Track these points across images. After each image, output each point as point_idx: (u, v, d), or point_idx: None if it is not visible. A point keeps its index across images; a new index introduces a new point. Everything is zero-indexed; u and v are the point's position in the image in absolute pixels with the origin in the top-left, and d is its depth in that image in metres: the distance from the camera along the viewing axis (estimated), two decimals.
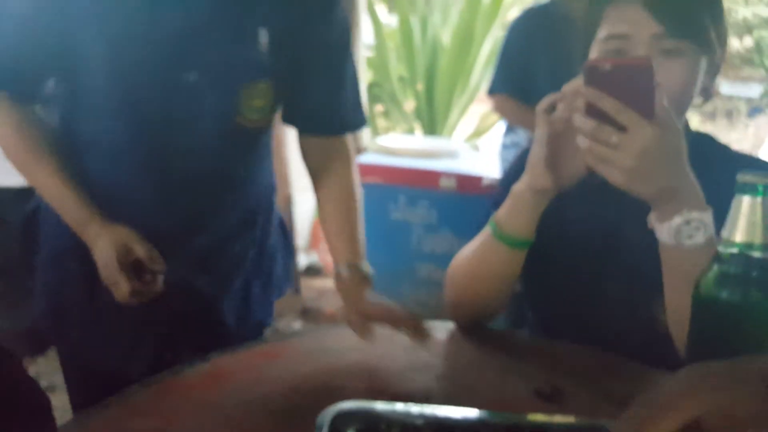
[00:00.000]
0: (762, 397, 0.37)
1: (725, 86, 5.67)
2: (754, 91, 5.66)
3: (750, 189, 0.46)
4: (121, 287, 0.69)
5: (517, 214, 0.69)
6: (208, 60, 0.71)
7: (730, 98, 5.59)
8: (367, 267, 0.78)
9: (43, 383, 1.72)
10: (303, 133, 0.84)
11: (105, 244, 0.71)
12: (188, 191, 0.78)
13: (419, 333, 0.68)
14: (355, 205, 0.83)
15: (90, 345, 0.83)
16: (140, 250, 0.70)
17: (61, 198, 0.74)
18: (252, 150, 0.83)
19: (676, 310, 0.62)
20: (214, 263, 0.84)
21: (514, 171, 0.76)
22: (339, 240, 0.80)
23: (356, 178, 0.84)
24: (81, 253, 0.76)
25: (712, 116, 5.40)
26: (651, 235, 0.62)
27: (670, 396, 0.38)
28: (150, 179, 0.77)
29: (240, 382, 0.62)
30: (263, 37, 0.72)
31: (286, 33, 0.73)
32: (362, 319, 0.71)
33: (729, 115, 5.50)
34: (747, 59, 6.12)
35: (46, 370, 1.76)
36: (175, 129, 0.74)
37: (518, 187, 0.68)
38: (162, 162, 0.76)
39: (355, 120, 0.85)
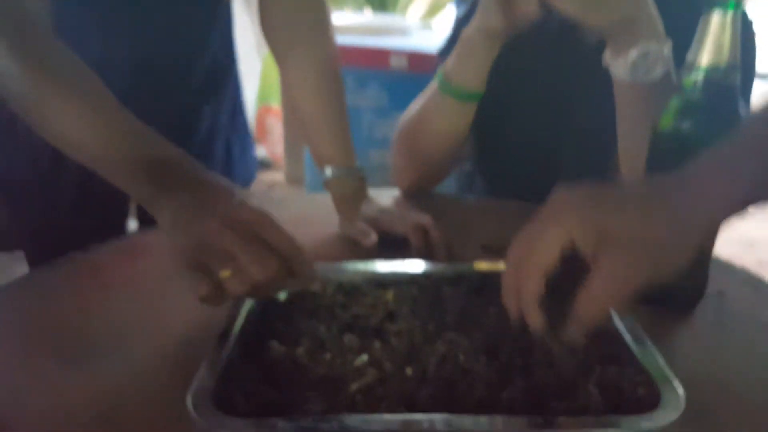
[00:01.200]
0: (635, 217, 0.35)
1: None
2: None
3: (721, 2, 0.41)
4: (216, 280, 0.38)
5: (466, 62, 0.63)
6: None
7: None
8: (359, 169, 0.64)
9: None
10: None
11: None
12: (157, 62, 0.71)
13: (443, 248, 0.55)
14: (338, 87, 0.66)
15: (55, 225, 0.74)
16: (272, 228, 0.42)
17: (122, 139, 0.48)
18: (221, 15, 0.78)
19: (630, 153, 0.59)
20: (192, 124, 0.78)
21: (464, 21, 0.68)
22: (321, 136, 0.64)
23: (336, 55, 0.66)
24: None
25: None
26: (609, 91, 0.58)
27: (540, 221, 0.37)
28: (118, 56, 0.68)
29: (160, 258, 0.56)
30: None
31: None
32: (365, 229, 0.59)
33: None
34: None
35: None
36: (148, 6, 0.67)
37: (468, 31, 0.62)
38: (133, 39, 0.69)
39: None
